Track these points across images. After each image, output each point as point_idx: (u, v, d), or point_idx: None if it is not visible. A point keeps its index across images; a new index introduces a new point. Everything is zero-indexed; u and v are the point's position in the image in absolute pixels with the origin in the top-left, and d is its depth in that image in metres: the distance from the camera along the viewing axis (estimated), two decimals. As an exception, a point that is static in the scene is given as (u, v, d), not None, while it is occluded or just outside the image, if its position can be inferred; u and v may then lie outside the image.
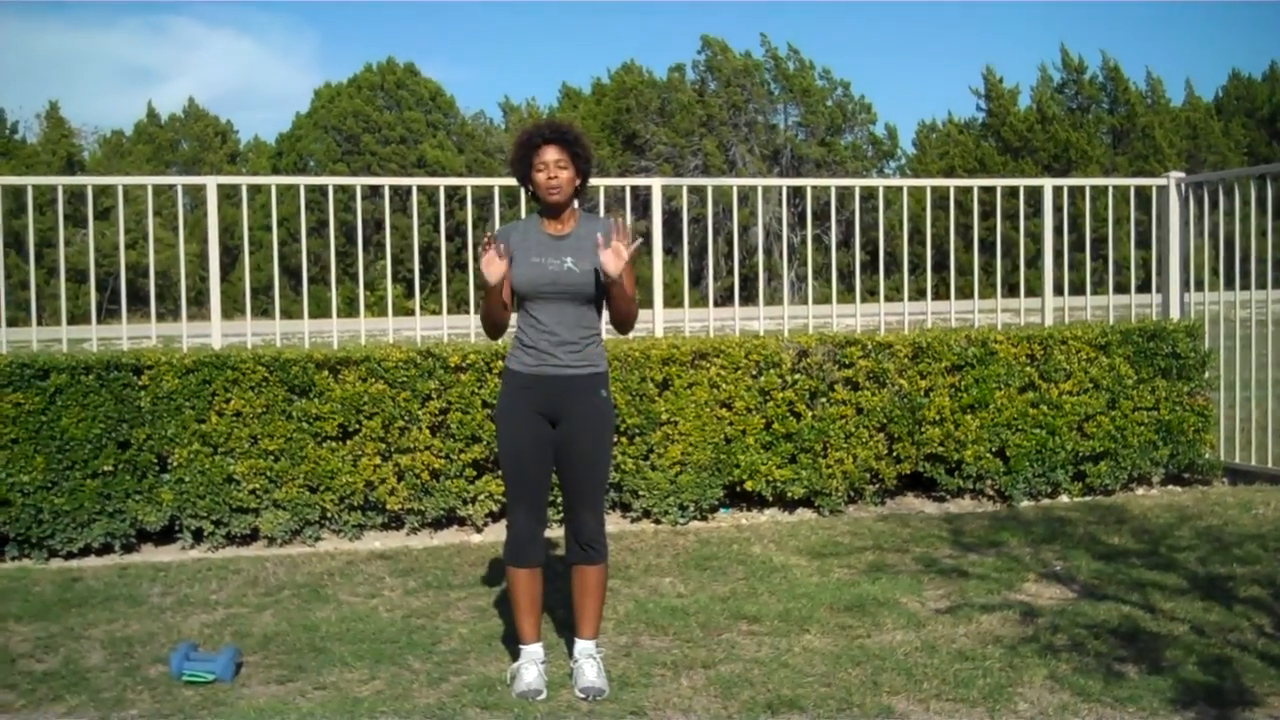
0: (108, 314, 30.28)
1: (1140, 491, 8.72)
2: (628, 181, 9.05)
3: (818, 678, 4.86)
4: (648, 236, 8.60)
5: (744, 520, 8.01)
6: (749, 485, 7.95)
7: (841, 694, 4.65)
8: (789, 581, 6.33)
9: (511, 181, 8.21)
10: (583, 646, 4.87)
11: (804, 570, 6.58)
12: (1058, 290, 9.31)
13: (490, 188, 8.56)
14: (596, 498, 4.81)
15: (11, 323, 7.58)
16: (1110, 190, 9.47)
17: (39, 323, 7.97)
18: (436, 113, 49.75)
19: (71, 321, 7.78)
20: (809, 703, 4.56)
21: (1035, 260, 9.81)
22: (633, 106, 48.57)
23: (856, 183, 9.06)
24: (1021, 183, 9.53)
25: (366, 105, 48.57)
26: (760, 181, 9.22)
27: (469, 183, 8.36)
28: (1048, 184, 9.27)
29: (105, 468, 7.13)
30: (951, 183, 9.11)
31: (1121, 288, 9.69)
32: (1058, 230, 9.31)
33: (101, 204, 35.34)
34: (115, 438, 7.16)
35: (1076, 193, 11.66)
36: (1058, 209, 9.25)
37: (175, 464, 7.25)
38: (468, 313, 8.56)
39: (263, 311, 29.75)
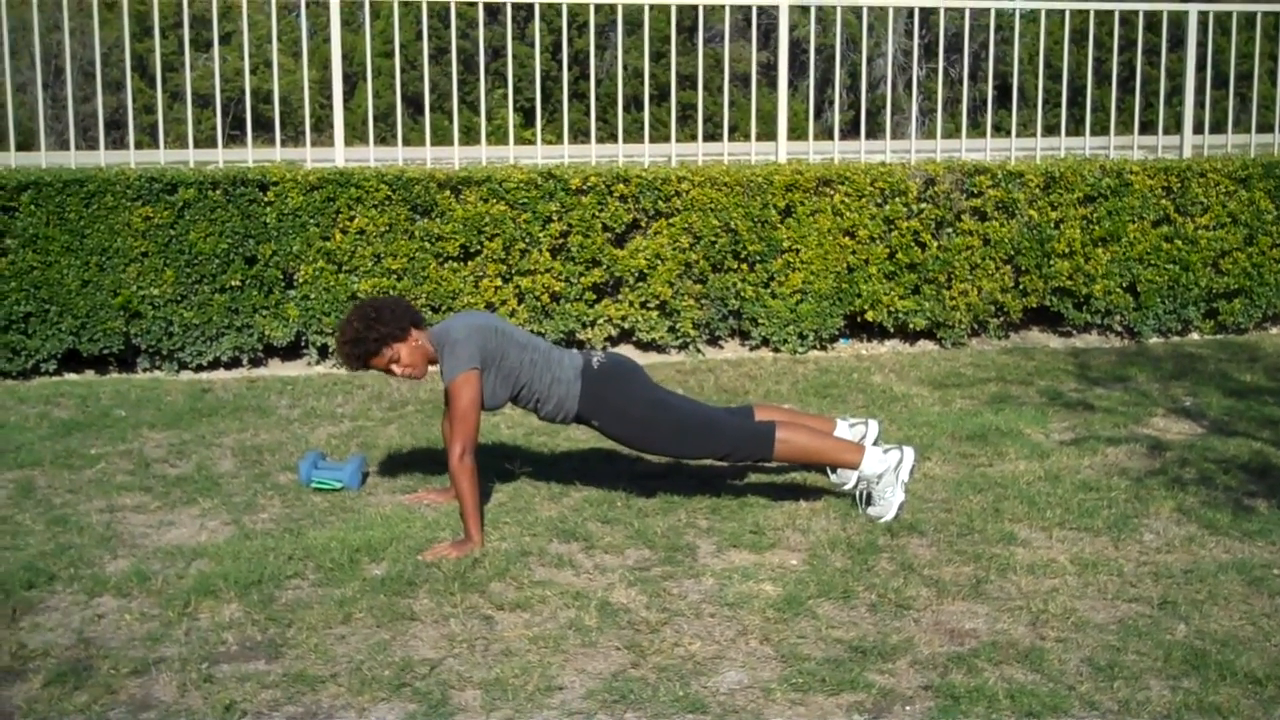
0: (230, 140, 30.47)
1: (1274, 330, 8.48)
2: (755, 1, 8.81)
3: (938, 504, 4.83)
4: (771, 66, 8.39)
5: (864, 350, 7.93)
6: (870, 315, 7.85)
7: (963, 519, 4.62)
8: (910, 410, 6.28)
9: (636, 1, 8.06)
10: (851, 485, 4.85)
11: (925, 400, 6.52)
12: (1197, 129, 8.93)
13: (614, 7, 8.37)
14: (680, 448, 4.83)
15: (137, 146, 7.65)
16: (1259, 17, 9.02)
17: (164, 147, 8.04)
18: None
19: (195, 147, 7.84)
20: (929, 527, 4.54)
21: (1171, 97, 9.44)
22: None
23: (992, 4, 8.72)
24: (1165, 6, 9.13)
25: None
26: (892, 2, 8.90)
27: (592, 1, 8.18)
28: (1193, 8, 8.86)
29: (233, 283, 7.24)
30: (1091, 5, 8.74)
31: (1266, 128, 9.24)
32: (1199, 66, 8.90)
33: (223, 28, 35.40)
34: (242, 253, 7.25)
35: (1218, 27, 11.15)
36: (1200, 44, 8.81)
37: (300, 280, 7.34)
38: (586, 143, 8.46)
39: (381, 140, 29.80)
